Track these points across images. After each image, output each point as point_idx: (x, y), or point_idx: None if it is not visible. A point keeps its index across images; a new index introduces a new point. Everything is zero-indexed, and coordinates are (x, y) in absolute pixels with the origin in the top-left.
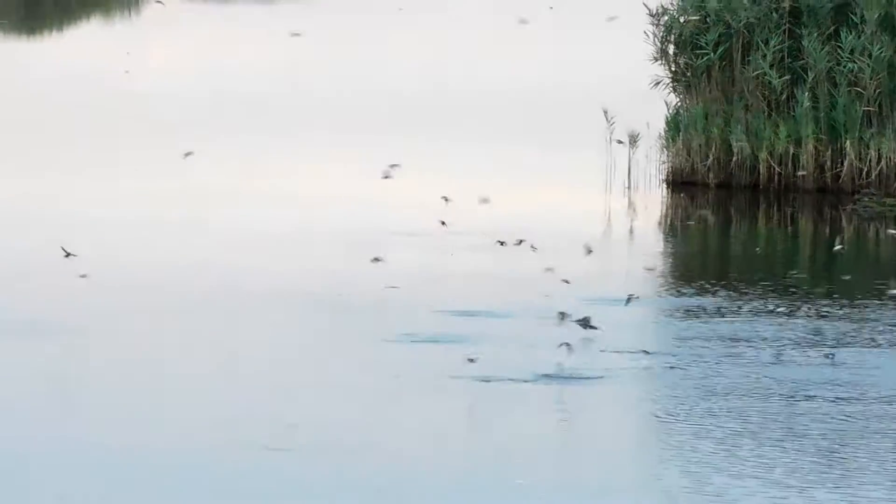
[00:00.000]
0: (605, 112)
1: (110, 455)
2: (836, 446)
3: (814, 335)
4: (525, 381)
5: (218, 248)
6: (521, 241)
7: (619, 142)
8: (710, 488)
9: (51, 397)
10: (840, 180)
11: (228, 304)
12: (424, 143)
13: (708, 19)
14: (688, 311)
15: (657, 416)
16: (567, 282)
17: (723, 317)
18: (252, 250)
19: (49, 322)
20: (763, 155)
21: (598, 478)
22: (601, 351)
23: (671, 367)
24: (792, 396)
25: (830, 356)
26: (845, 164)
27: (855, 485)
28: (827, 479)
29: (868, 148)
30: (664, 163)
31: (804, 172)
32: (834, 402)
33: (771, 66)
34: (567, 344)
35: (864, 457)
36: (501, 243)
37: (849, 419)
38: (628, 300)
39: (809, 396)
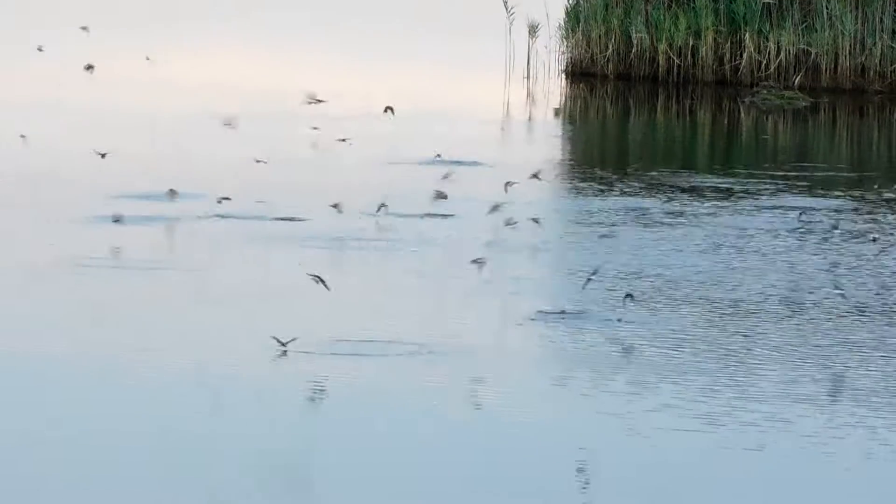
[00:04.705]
0: (505, 2)
1: None
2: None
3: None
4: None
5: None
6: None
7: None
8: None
9: None
10: (739, 73)
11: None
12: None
13: None
14: (580, 190)
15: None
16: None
17: (609, 196)
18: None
19: None
20: (662, 46)
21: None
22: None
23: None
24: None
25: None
26: (744, 56)
27: (747, 361)
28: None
29: (767, 40)
30: (563, 53)
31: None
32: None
33: None
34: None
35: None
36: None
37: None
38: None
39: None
